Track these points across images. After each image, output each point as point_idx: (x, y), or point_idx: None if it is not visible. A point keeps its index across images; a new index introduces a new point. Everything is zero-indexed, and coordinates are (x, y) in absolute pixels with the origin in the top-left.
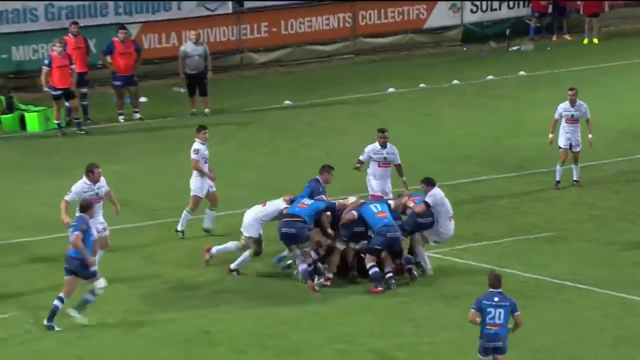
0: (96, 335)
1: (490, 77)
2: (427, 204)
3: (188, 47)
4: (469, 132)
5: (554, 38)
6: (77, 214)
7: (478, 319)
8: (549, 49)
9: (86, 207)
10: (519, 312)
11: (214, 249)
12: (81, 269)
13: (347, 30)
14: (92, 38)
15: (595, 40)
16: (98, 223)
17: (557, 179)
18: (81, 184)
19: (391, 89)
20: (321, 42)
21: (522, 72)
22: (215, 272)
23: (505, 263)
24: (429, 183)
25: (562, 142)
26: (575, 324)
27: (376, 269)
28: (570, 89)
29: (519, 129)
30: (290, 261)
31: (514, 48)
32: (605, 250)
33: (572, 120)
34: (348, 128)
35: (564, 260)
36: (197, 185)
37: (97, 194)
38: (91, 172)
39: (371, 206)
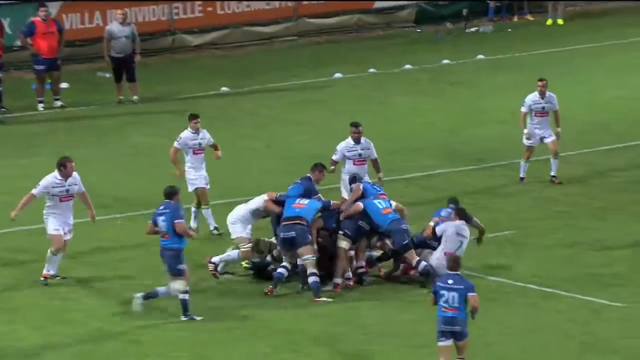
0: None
1: (446, 61)
2: (434, 231)
3: (114, 27)
4: (424, 122)
5: (515, 19)
6: (164, 200)
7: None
8: (509, 30)
9: (173, 193)
10: (475, 294)
11: (216, 258)
12: (173, 261)
13: (289, 10)
14: (5, 17)
15: (560, 21)
16: (65, 224)
17: (521, 176)
18: (51, 178)
19: (338, 75)
20: (261, 23)
21: (480, 56)
22: (149, 278)
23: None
24: (460, 214)
25: (530, 139)
26: (539, 329)
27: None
28: (540, 80)
29: (478, 118)
30: (223, 264)
31: (471, 29)
32: (571, 250)
33: (543, 113)
34: (291, 117)
35: (527, 260)
36: (191, 179)
37: (67, 190)
38: (63, 166)
39: (375, 201)
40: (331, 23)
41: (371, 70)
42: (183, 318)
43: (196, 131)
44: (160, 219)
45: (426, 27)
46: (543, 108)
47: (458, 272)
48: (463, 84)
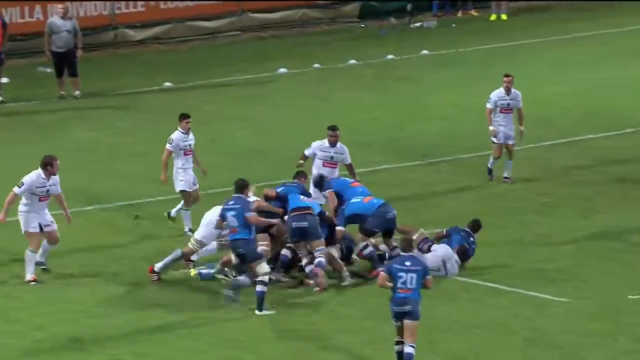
0: None
1: (390, 56)
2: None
3: (55, 21)
4: (369, 117)
5: (459, 14)
6: (234, 194)
7: (388, 283)
8: (453, 25)
9: (244, 186)
10: (430, 276)
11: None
12: (250, 248)
13: (232, 5)
14: None
15: (504, 17)
16: (43, 219)
17: (490, 178)
18: (35, 177)
19: (282, 70)
20: (204, 18)
21: (425, 51)
22: (88, 273)
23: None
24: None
25: (498, 136)
26: (483, 325)
27: (371, 249)
28: (506, 76)
29: (422, 113)
30: (213, 271)
31: (416, 25)
32: (515, 246)
33: (508, 109)
34: (235, 112)
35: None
36: (180, 180)
37: (48, 190)
38: (50, 165)
39: (354, 200)
40: (275, 18)
41: (316, 65)
42: (258, 312)
43: (187, 131)
44: (230, 213)
45: (371, 22)
46: (508, 104)
47: (412, 254)
48: (407, 80)
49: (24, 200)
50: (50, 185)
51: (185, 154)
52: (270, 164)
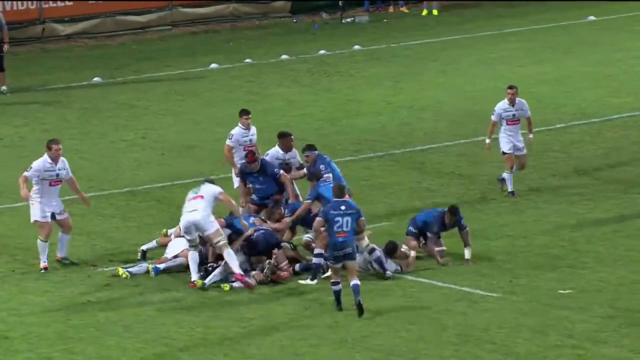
0: None
1: (322, 51)
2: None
3: None
4: (301, 113)
5: (391, 9)
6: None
7: (322, 228)
8: (385, 21)
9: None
10: (363, 218)
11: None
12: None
13: None
14: None
15: (435, 12)
16: (55, 207)
17: (510, 190)
18: (42, 162)
19: (214, 65)
20: (134, 12)
21: (357, 47)
22: (16, 271)
23: None
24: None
25: (506, 147)
26: (416, 321)
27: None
28: (510, 87)
29: (354, 108)
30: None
31: (347, 20)
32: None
33: (514, 121)
34: (166, 108)
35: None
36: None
37: (57, 174)
38: (48, 148)
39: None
40: (206, 12)
41: (247, 60)
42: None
43: (247, 127)
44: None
45: (302, 17)
46: (514, 115)
47: (345, 199)
48: (339, 75)
49: (35, 188)
50: (59, 170)
51: (245, 150)
52: (201, 159)
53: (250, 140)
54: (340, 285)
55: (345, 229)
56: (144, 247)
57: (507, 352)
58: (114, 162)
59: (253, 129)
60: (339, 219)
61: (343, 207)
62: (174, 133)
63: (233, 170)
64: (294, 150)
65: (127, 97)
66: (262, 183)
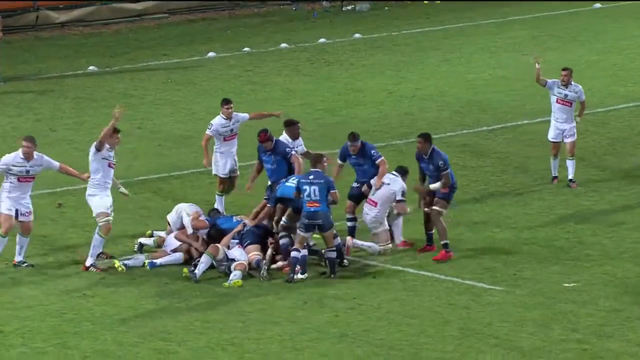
0: None
1: (322, 39)
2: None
3: None
4: (300, 102)
5: None
6: (311, 169)
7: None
8: (387, 8)
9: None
10: (335, 190)
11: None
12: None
13: None
14: None
15: (437, 0)
16: (21, 205)
17: (553, 174)
18: (13, 156)
19: (212, 54)
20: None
21: (357, 35)
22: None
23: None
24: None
25: (551, 134)
26: (418, 315)
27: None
28: (564, 69)
29: (355, 98)
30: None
31: (348, 8)
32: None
33: (566, 101)
34: (163, 98)
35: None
36: (216, 163)
37: (27, 171)
38: (22, 146)
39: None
40: (203, 0)
41: (246, 49)
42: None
43: (228, 117)
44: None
45: (302, 4)
46: (566, 96)
47: (318, 169)
48: (340, 64)
49: (4, 181)
50: (31, 167)
51: (225, 140)
52: (198, 150)
53: (231, 130)
54: (300, 252)
55: (314, 197)
56: (142, 240)
57: (511, 346)
58: None
59: (234, 120)
60: (307, 187)
61: (311, 177)
62: (171, 123)
63: (204, 160)
64: (300, 138)
65: (123, 87)
66: (274, 163)
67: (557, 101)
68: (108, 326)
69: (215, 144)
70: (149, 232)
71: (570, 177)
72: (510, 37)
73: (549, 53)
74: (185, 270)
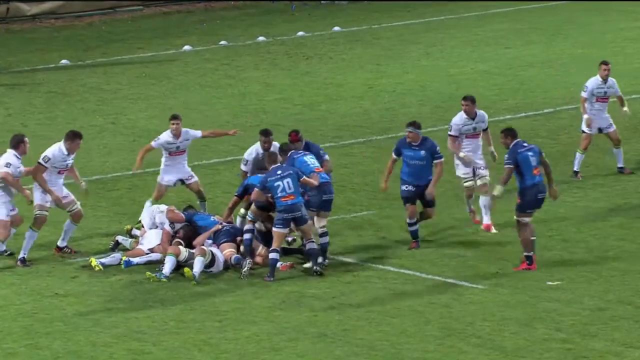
0: None
1: (301, 33)
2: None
3: None
4: (278, 97)
5: None
6: (272, 166)
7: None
8: (366, 1)
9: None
10: (304, 176)
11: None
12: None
13: None
14: None
15: None
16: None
17: (575, 169)
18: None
19: (187, 47)
20: None
21: (336, 28)
22: None
23: None
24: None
25: (587, 126)
26: (398, 314)
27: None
28: (604, 63)
29: (334, 92)
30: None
31: (327, 0)
32: (431, 231)
33: (604, 98)
34: (137, 92)
35: (387, 242)
36: (162, 171)
37: (178, 147)
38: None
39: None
40: None
41: (222, 42)
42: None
43: (176, 134)
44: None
45: None
46: (605, 93)
47: (279, 164)
48: (319, 57)
49: (162, 156)
50: (180, 142)
51: (170, 154)
52: None
53: (178, 147)
54: (278, 254)
55: (289, 190)
56: (119, 238)
57: (493, 346)
58: (83, 148)
59: (182, 137)
60: (279, 182)
61: (279, 172)
62: (145, 118)
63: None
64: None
65: (96, 81)
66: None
67: (596, 100)
68: (81, 326)
69: (163, 153)
70: (128, 226)
71: (620, 164)
72: (492, 30)
73: (531, 46)
74: (148, 273)
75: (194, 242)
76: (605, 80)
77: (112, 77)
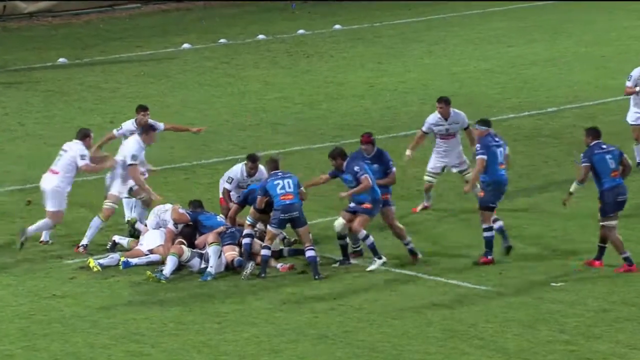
0: None
1: (301, 31)
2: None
3: None
4: (278, 96)
5: None
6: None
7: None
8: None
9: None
10: (303, 189)
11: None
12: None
13: None
14: None
15: None
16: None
17: (638, 161)
18: (432, 117)
19: (186, 45)
20: None
21: (337, 26)
22: None
23: (320, 247)
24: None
25: (631, 117)
26: (400, 316)
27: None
28: None
29: (335, 91)
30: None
31: None
32: (436, 231)
33: None
34: (135, 91)
35: (389, 241)
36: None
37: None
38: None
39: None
40: None
41: (222, 40)
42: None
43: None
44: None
45: None
46: None
47: (278, 170)
48: (319, 56)
49: (70, 173)
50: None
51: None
52: (172, 145)
53: None
54: (269, 251)
55: (288, 189)
56: (116, 238)
57: (496, 348)
58: None
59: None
60: (279, 181)
61: (280, 174)
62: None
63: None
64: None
65: (94, 80)
66: (372, 172)
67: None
68: (79, 328)
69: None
70: (134, 218)
71: (638, 160)
72: (495, 29)
73: (534, 45)
74: (148, 272)
75: (196, 242)
76: None
77: (110, 75)
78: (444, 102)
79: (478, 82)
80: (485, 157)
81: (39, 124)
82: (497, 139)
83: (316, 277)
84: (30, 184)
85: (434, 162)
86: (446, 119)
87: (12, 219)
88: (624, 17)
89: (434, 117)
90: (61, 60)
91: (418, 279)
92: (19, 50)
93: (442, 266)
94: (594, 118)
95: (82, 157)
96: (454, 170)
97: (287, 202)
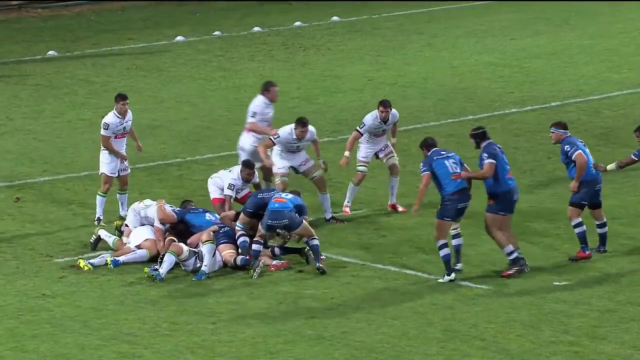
0: None
1: (298, 23)
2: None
3: None
4: None
5: None
6: None
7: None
8: None
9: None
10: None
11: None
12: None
13: None
14: None
15: None
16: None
17: None
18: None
19: (180, 38)
20: None
21: (335, 18)
22: None
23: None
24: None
25: None
26: (399, 316)
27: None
28: None
29: (333, 85)
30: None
31: None
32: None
33: None
34: (128, 85)
35: (387, 240)
36: (104, 161)
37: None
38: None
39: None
40: None
41: (216, 33)
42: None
43: (122, 114)
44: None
45: None
46: None
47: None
48: (316, 49)
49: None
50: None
51: (116, 137)
52: (165, 140)
53: (124, 128)
54: (261, 246)
55: (283, 195)
56: (102, 234)
57: (498, 349)
58: (71, 143)
59: (129, 116)
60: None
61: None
62: (136, 112)
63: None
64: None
65: (84, 73)
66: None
67: None
68: (69, 328)
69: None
70: (118, 222)
71: None
72: (497, 21)
73: (538, 37)
74: (146, 269)
75: (188, 241)
76: None
77: (101, 69)
78: (388, 106)
79: (480, 76)
80: (494, 161)
81: (27, 118)
82: (498, 146)
83: (318, 265)
84: (19, 180)
85: (365, 151)
86: (385, 122)
87: (0, 216)
88: (629, 8)
89: (374, 120)
90: (51, 53)
91: (418, 279)
92: (7, 43)
93: (442, 265)
94: (598, 112)
95: (252, 115)
96: (381, 155)
97: (277, 205)
